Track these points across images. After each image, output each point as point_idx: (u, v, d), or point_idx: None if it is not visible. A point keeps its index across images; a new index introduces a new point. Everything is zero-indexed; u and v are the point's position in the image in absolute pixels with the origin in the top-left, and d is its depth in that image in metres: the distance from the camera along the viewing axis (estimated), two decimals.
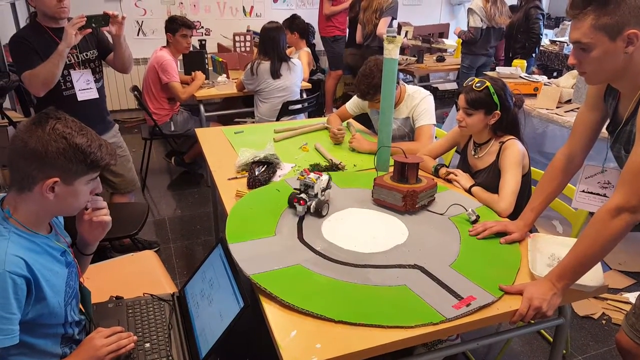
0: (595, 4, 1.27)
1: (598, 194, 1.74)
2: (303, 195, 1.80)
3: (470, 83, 2.08)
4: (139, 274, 2.02)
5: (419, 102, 2.59)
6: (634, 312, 1.65)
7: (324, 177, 1.85)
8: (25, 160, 1.20)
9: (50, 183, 1.21)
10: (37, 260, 1.22)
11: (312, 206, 1.81)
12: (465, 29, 4.95)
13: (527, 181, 2.13)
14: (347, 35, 5.60)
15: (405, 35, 5.58)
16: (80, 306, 1.48)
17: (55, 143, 1.19)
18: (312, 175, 1.83)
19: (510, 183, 1.96)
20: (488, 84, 2.03)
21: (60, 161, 1.21)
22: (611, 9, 1.25)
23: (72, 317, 1.38)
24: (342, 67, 5.68)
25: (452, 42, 6.10)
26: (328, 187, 1.87)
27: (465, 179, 2.13)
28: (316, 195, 1.82)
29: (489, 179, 2.08)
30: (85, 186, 1.30)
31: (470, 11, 4.83)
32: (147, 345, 1.47)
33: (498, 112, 2.04)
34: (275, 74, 3.67)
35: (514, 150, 2.02)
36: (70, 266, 1.37)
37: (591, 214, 1.58)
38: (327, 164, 2.31)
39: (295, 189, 1.87)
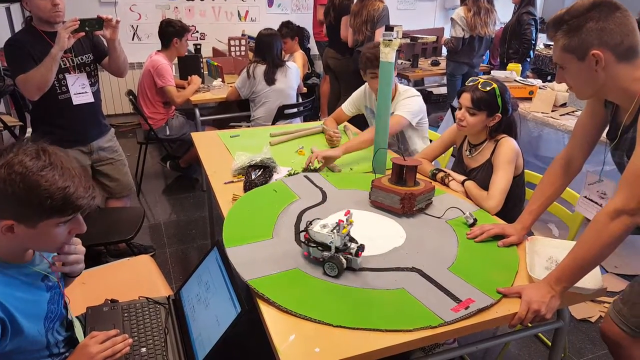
0: (562, 29, 1.36)
1: (596, 203, 1.74)
2: (355, 245, 1.50)
3: (474, 83, 2.07)
4: (134, 278, 2.00)
5: (403, 99, 2.60)
6: (622, 298, 1.67)
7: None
8: None
9: (4, 225, 1.09)
10: (11, 295, 1.16)
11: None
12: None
13: (520, 181, 2.14)
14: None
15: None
16: (72, 313, 1.44)
17: (3, 184, 1.06)
18: (346, 217, 1.53)
19: (500, 181, 1.97)
20: (495, 85, 2.02)
21: (11, 203, 1.08)
22: (576, 31, 1.34)
23: (56, 338, 1.33)
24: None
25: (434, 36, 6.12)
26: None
27: (458, 176, 2.15)
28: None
29: (483, 175, 2.09)
30: (57, 228, 1.16)
31: (452, 21, 4.87)
32: (143, 350, 1.46)
33: (499, 114, 2.04)
34: (270, 78, 3.68)
35: (508, 148, 2.03)
36: (52, 289, 1.31)
37: (588, 219, 1.58)
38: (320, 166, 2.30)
39: (337, 248, 1.46)
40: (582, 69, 1.37)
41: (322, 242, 1.47)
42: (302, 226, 1.75)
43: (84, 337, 1.43)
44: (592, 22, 1.32)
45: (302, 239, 1.53)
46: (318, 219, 1.54)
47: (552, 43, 1.44)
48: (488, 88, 2.02)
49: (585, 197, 1.76)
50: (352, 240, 1.53)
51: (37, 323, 1.23)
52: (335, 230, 1.46)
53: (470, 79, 2.11)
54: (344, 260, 1.46)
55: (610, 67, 1.34)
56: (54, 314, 1.30)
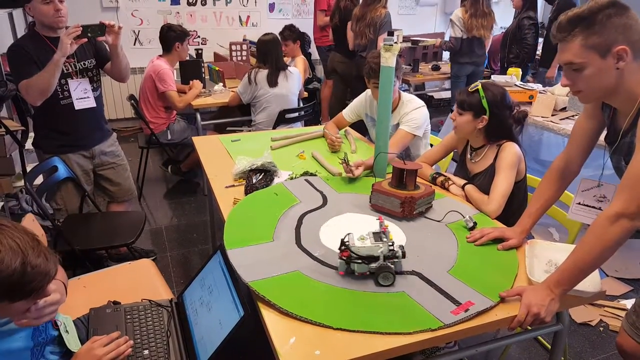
0: (581, 25, 1.33)
1: (594, 207, 1.75)
2: (398, 247, 1.49)
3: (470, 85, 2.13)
4: (136, 282, 2.01)
5: (410, 111, 2.59)
6: (634, 310, 1.65)
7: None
8: None
9: None
10: None
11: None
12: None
13: (522, 186, 2.14)
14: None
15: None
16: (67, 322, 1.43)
17: None
18: (380, 223, 1.58)
19: (501, 185, 1.99)
20: (479, 87, 2.07)
21: None
22: (597, 28, 1.31)
23: None
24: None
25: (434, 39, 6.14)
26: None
27: (459, 180, 2.16)
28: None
29: (487, 181, 2.09)
30: (12, 305, 1.05)
31: (450, 22, 4.95)
32: (146, 352, 1.46)
33: (486, 117, 2.06)
34: (273, 81, 3.70)
35: (510, 153, 2.04)
36: None
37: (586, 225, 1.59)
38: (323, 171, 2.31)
39: (386, 257, 1.46)
40: (602, 67, 1.34)
41: (369, 255, 1.45)
42: (303, 229, 1.76)
43: (79, 339, 1.43)
44: (616, 17, 1.29)
45: (340, 258, 1.48)
46: (349, 233, 1.51)
47: None
48: (472, 89, 2.08)
49: (579, 203, 1.76)
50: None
51: None
52: (384, 239, 1.48)
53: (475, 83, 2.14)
54: (392, 266, 1.46)
55: (627, 65, 1.33)
56: (41, 343, 1.27)
